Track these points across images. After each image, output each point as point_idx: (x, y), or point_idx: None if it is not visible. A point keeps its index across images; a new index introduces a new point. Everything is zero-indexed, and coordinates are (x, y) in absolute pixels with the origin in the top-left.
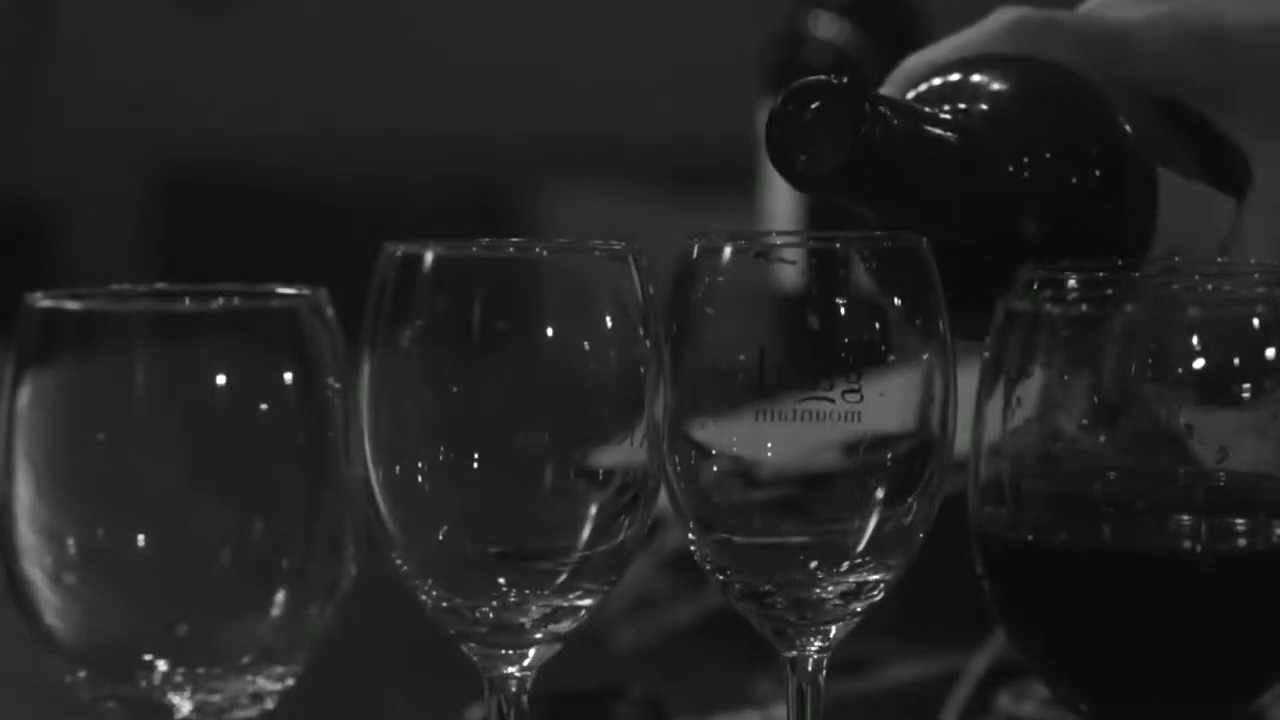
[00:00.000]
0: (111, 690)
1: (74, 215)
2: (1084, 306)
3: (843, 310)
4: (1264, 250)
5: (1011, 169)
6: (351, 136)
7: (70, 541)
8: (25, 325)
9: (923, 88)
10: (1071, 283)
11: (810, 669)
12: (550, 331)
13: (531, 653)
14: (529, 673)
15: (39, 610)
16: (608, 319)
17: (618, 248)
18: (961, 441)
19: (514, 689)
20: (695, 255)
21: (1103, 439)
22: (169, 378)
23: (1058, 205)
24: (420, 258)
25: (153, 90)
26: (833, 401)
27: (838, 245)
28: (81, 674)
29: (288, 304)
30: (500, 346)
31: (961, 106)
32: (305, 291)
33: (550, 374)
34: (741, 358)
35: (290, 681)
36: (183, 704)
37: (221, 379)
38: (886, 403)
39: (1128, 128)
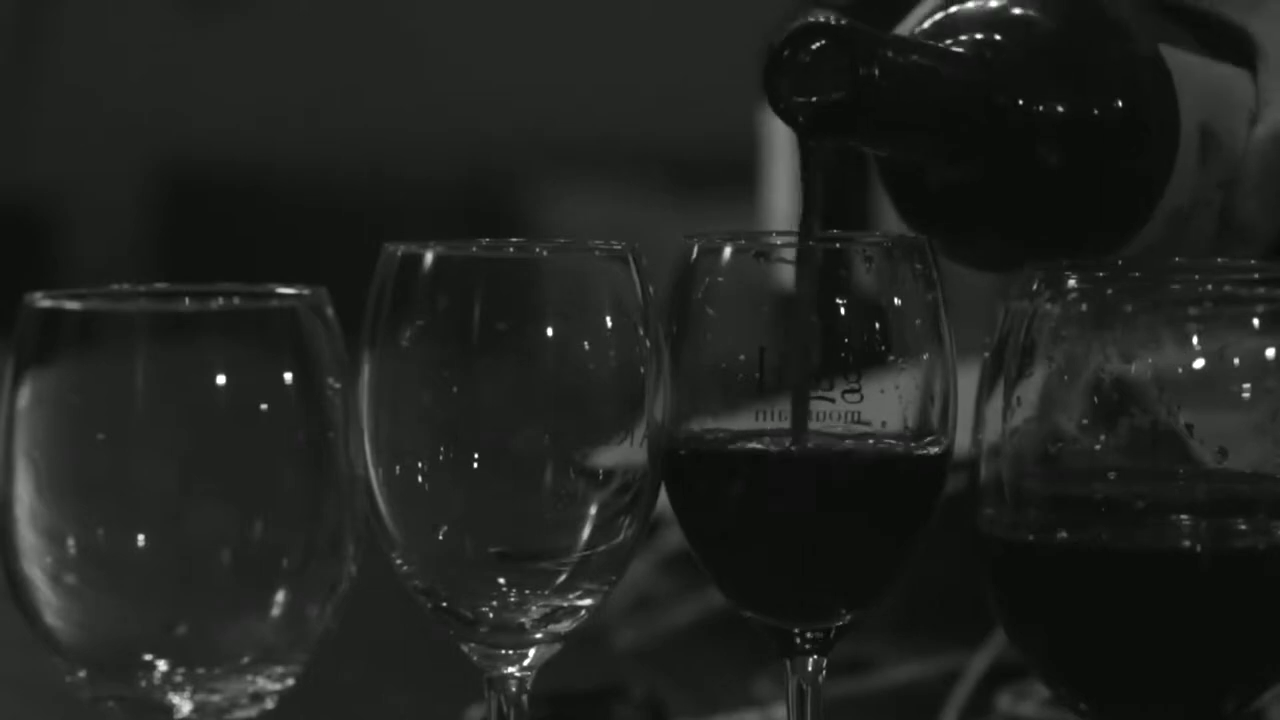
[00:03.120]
0: (111, 690)
1: (74, 215)
2: (1084, 306)
3: (843, 310)
4: None
5: (1019, 94)
6: (351, 136)
7: (70, 541)
8: (25, 325)
9: (953, 7)
10: (1071, 282)
11: (810, 669)
12: (550, 331)
13: (531, 653)
14: (529, 673)
15: (39, 610)
16: (608, 319)
17: (618, 248)
18: (961, 441)
19: (514, 689)
20: (695, 255)
21: (1103, 439)
22: (169, 378)
23: (1066, 126)
24: (420, 258)
25: (153, 90)
26: (833, 401)
27: (838, 245)
28: (81, 674)
29: (288, 304)
30: (500, 346)
31: (963, 37)
32: (305, 291)
33: (550, 374)
34: (741, 358)
35: (290, 681)
36: (183, 704)
37: (221, 379)
38: (886, 402)
39: (1128, 20)
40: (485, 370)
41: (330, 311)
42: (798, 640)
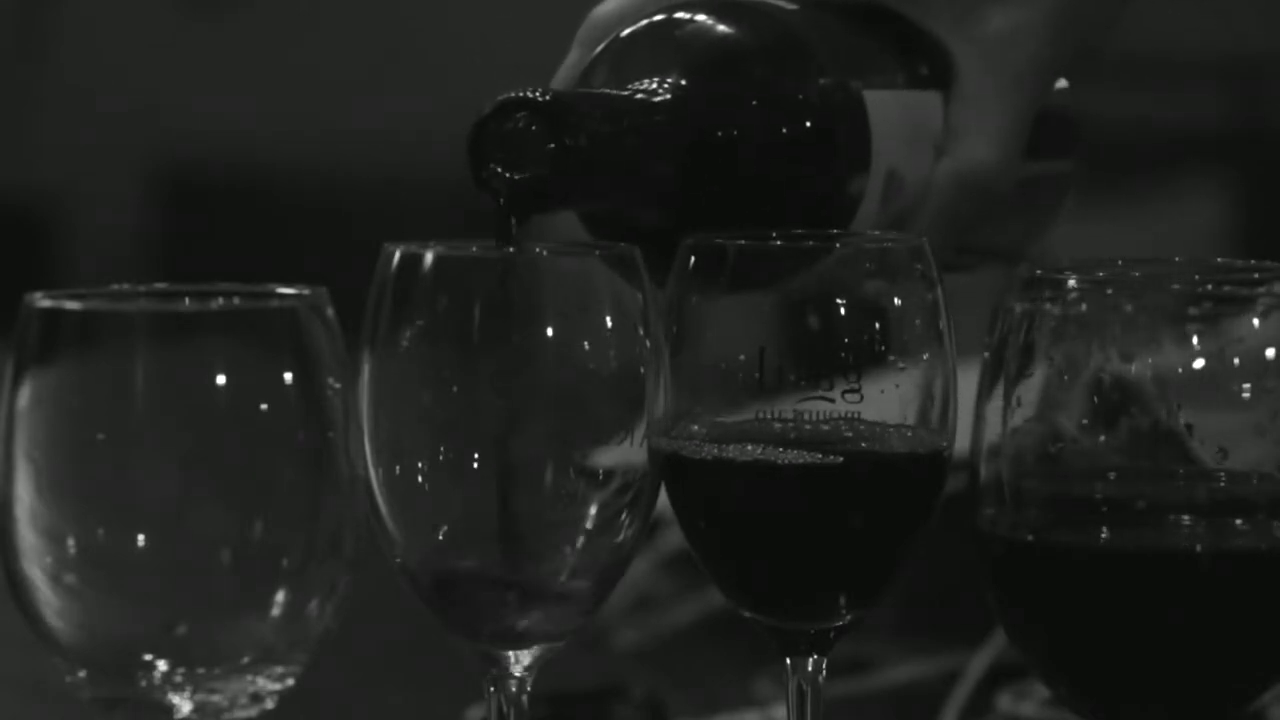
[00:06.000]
0: (111, 690)
1: (74, 215)
2: (1084, 306)
3: (843, 310)
4: (978, 142)
5: (720, 138)
6: (351, 136)
7: (70, 541)
8: (25, 325)
9: (616, 44)
10: (1072, 283)
11: (810, 669)
12: (550, 331)
13: (532, 653)
14: (529, 673)
15: (39, 610)
16: (608, 319)
17: (618, 248)
18: (961, 441)
19: (514, 689)
20: (694, 255)
21: (1103, 439)
22: (169, 378)
23: (770, 165)
24: (420, 258)
25: (153, 90)
26: (833, 401)
27: (838, 245)
28: (81, 674)
29: (288, 304)
30: (500, 346)
31: (653, 84)
32: (305, 291)
33: (550, 374)
34: (741, 358)
35: (290, 681)
36: (183, 704)
37: (221, 379)
38: (886, 402)
39: (826, 55)
40: (485, 370)
41: (330, 311)
42: (798, 640)
